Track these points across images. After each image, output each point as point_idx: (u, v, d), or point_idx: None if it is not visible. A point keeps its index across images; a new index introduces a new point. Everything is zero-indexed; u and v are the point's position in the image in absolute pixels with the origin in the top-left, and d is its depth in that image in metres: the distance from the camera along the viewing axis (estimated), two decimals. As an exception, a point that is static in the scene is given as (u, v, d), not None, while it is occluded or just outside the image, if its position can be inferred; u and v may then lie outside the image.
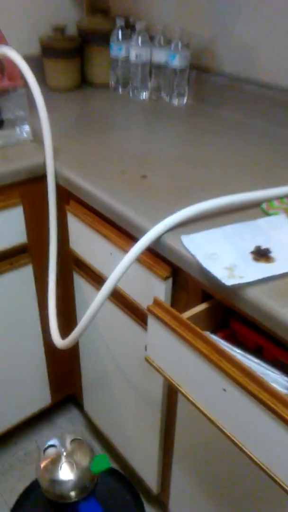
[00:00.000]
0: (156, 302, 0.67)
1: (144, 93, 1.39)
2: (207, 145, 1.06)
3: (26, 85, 0.95)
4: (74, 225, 0.97)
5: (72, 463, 0.54)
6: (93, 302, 0.74)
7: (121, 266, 0.70)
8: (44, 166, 0.95)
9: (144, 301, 0.85)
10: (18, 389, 1.20)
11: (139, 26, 1.30)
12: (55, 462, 0.54)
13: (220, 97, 1.27)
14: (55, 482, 0.53)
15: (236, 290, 0.61)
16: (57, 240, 0.99)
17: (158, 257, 0.77)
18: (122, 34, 1.34)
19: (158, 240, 0.72)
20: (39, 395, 1.26)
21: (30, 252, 1.06)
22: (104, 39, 1.39)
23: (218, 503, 0.90)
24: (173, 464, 1.01)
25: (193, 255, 0.66)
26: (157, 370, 0.72)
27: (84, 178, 0.89)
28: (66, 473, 0.53)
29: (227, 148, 1.04)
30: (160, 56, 1.31)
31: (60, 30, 1.39)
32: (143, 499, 1.23)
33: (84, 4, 1.50)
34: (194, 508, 1.00)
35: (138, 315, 0.90)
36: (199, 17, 1.28)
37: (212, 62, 1.29)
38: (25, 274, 1.07)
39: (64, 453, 0.55)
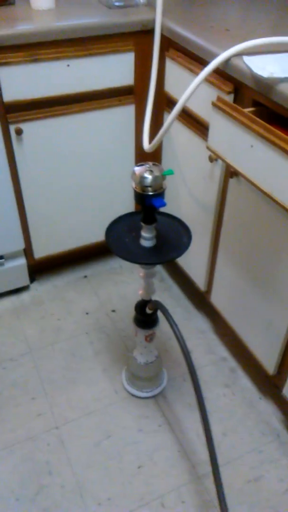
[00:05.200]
0: (219, 98, 0.99)
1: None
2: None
3: None
4: (170, 68, 1.31)
5: (151, 171, 0.92)
6: (170, 113, 1.08)
7: (199, 78, 1.02)
8: (153, 20, 1.28)
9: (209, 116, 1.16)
10: (112, 208, 1.62)
11: None
12: (142, 170, 0.93)
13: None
14: (142, 177, 0.91)
15: (271, 83, 0.91)
16: (156, 81, 1.33)
17: (224, 78, 1.08)
18: None
19: (227, 62, 1.03)
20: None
21: (135, 94, 1.42)
22: None
23: (252, 288, 1.25)
24: (218, 263, 1.38)
25: (248, 67, 0.96)
26: (216, 154, 1.05)
27: (182, 28, 1.21)
28: (148, 174, 0.92)
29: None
30: None
31: None
32: (192, 303, 1.65)
33: None
34: (232, 296, 1.36)
35: (201, 130, 1.23)
36: None
37: None
38: (129, 111, 1.44)
39: (147, 166, 0.93)
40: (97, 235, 1.67)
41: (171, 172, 0.91)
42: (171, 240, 1.05)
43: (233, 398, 1.37)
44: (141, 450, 1.23)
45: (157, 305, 1.08)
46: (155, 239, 1.04)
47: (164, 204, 0.93)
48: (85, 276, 1.77)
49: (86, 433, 1.27)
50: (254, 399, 1.36)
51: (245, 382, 1.41)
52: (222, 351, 1.50)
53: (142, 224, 1.01)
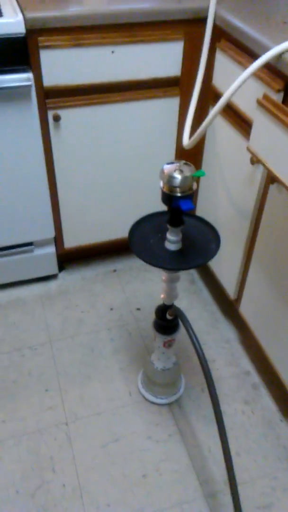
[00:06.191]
0: (265, 97, 0.91)
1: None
2: None
3: None
4: (220, 61, 1.22)
5: (181, 170, 0.85)
6: (213, 109, 1.00)
7: (247, 72, 0.94)
8: (207, 8, 1.19)
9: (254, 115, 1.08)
10: (147, 203, 1.57)
11: None
12: (172, 169, 0.86)
13: None
14: (170, 177, 0.85)
15: None
16: (204, 74, 1.25)
17: (275, 75, 0.99)
18: None
19: (279, 57, 0.94)
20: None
21: (181, 86, 1.34)
22: None
23: (285, 306, 1.16)
24: (250, 272, 1.29)
25: (302, 64, 0.87)
26: (256, 157, 0.97)
27: (236, 18, 1.12)
28: (177, 173, 0.85)
29: None
30: None
31: None
32: (220, 310, 1.58)
33: None
34: (262, 308, 1.28)
35: (246, 129, 1.14)
36: None
37: None
38: (173, 104, 1.37)
39: (178, 165, 0.86)
40: (130, 230, 1.63)
41: (202, 174, 0.84)
42: (198, 245, 0.99)
43: (251, 416, 1.28)
44: (147, 459, 1.18)
45: (177, 313, 1.02)
46: (181, 243, 0.97)
47: (191, 208, 0.86)
48: (114, 270, 1.73)
49: (94, 433, 1.23)
50: (274, 420, 1.28)
51: (266, 401, 1.32)
52: (246, 364, 1.42)
53: (168, 226, 0.94)
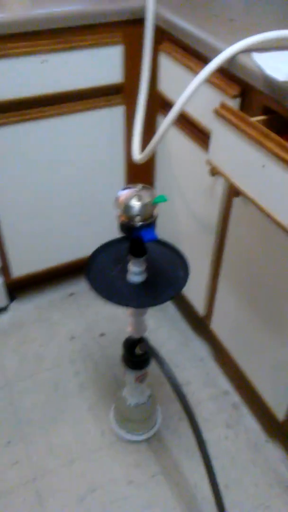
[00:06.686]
0: (224, 106, 0.82)
1: None
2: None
3: None
4: (165, 65, 1.13)
5: (140, 196, 0.74)
6: (164, 121, 0.90)
7: (198, 79, 0.85)
8: (145, 7, 1.09)
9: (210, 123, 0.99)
10: (99, 221, 1.45)
11: None
12: (128, 195, 0.75)
13: None
14: (127, 206, 0.74)
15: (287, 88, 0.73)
16: (149, 79, 1.15)
17: (229, 79, 0.91)
18: None
19: (232, 59, 0.85)
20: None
21: (124, 93, 1.23)
22: None
23: (257, 321, 1.08)
24: (219, 288, 1.21)
25: (259, 67, 0.79)
26: (218, 171, 0.88)
27: (178, 17, 1.03)
28: (134, 202, 0.74)
29: None
30: None
31: None
32: (190, 327, 1.49)
33: None
34: (234, 325, 1.20)
35: (201, 137, 1.06)
36: None
37: None
38: (117, 113, 1.26)
39: (135, 190, 0.75)
40: (84, 250, 1.48)
41: (163, 199, 0.74)
42: (164, 273, 0.88)
43: (235, 440, 1.21)
44: (130, 507, 1.07)
45: (148, 349, 0.92)
46: (145, 273, 0.87)
47: (154, 238, 0.75)
48: (71, 294, 1.60)
49: (68, 486, 1.11)
50: (260, 442, 1.21)
51: (249, 421, 1.25)
52: (224, 383, 1.34)
53: (130, 256, 0.83)
